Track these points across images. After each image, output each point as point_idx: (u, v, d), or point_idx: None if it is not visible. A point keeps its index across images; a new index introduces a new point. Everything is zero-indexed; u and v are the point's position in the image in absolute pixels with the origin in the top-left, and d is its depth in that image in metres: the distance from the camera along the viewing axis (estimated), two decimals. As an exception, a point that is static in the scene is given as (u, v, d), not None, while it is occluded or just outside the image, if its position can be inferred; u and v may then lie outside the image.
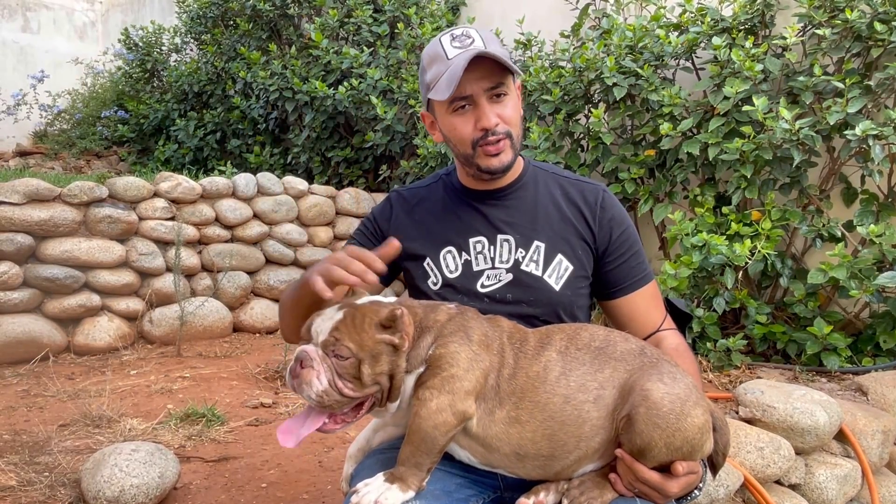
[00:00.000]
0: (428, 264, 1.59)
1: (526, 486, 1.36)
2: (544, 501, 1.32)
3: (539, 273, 1.55)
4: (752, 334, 3.38)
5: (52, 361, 3.62)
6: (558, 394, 1.29)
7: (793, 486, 2.35)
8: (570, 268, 1.57)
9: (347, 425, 1.32)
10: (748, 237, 3.27)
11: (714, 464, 1.36)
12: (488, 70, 1.47)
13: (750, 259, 3.19)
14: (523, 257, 1.56)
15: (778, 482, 2.32)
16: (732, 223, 3.38)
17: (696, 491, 1.34)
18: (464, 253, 1.58)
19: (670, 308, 1.67)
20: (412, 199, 1.68)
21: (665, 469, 1.27)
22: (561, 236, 1.58)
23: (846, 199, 3.51)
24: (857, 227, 3.17)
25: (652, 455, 1.24)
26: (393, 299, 1.39)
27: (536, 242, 1.57)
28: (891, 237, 3.02)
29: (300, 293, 1.46)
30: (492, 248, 1.57)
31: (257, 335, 4.42)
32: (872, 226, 3.03)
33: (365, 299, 1.35)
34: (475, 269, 1.57)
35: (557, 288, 1.55)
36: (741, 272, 3.27)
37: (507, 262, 1.56)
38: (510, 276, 1.55)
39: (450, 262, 1.58)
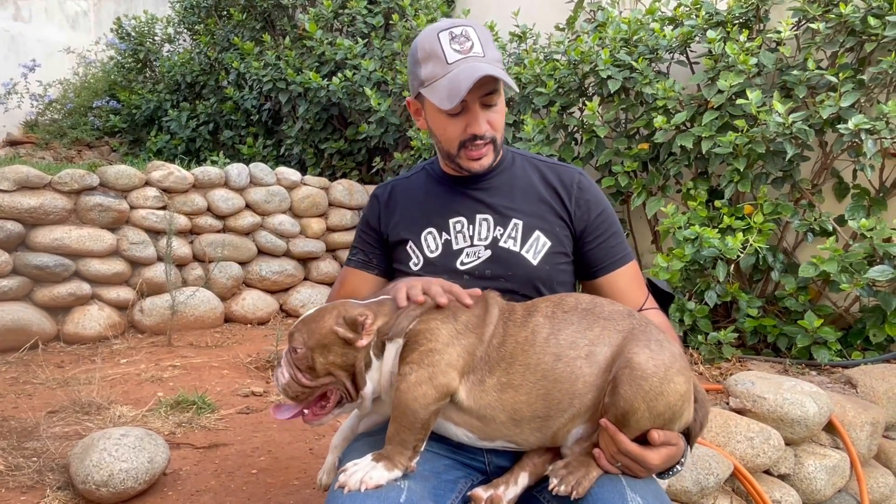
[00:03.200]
0: (410, 247, 1.63)
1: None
2: (502, 496, 1.32)
3: (517, 249, 1.58)
4: (743, 327, 3.39)
5: (42, 350, 3.59)
6: (549, 353, 1.31)
7: (782, 477, 2.36)
8: (548, 244, 1.60)
9: (320, 419, 1.41)
10: (740, 231, 3.28)
11: (690, 433, 1.36)
12: (487, 86, 1.50)
13: (742, 252, 3.20)
14: (501, 234, 1.60)
15: (767, 472, 2.33)
16: (725, 217, 3.38)
17: (677, 466, 1.34)
18: (444, 233, 1.62)
19: (653, 289, 1.69)
20: (397, 191, 1.74)
21: (646, 443, 1.28)
22: (538, 215, 1.62)
23: (838, 193, 3.52)
24: (849, 222, 3.18)
25: (635, 419, 1.24)
26: (372, 300, 1.43)
27: (514, 220, 1.61)
28: (882, 231, 3.03)
29: None
30: (471, 226, 1.61)
31: (249, 326, 4.40)
32: (864, 220, 3.04)
33: (345, 300, 1.44)
34: (455, 247, 1.60)
35: (535, 262, 1.58)
36: (733, 266, 3.28)
37: (486, 239, 1.60)
38: (489, 253, 1.59)
39: (430, 243, 1.62)
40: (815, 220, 3.35)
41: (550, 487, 1.27)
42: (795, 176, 3.40)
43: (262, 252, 4.69)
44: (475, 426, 1.33)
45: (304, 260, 4.86)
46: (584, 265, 1.66)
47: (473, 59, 1.49)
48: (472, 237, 1.60)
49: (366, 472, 1.24)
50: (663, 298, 1.70)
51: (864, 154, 3.05)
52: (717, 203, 3.50)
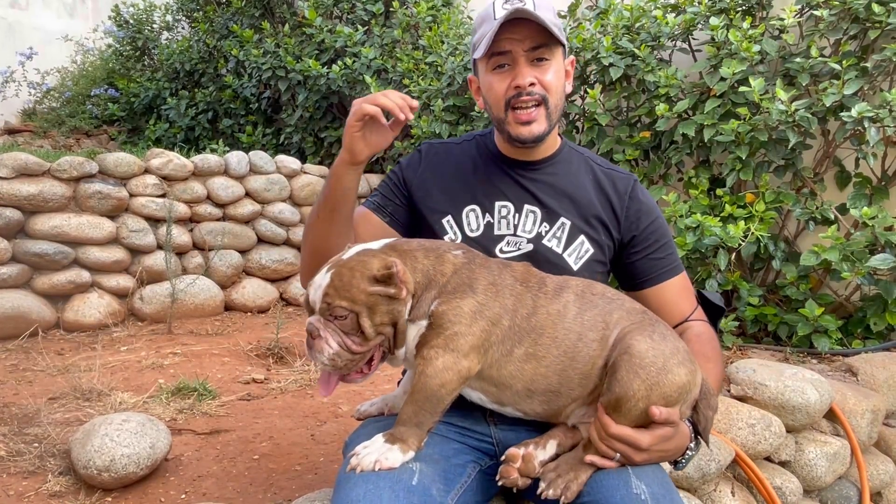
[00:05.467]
0: (448, 221, 1.58)
1: None
2: (533, 453, 1.33)
3: (559, 250, 1.56)
4: (744, 316, 3.39)
5: (42, 337, 3.58)
6: (574, 331, 1.31)
7: (783, 463, 2.36)
8: (591, 251, 1.57)
9: (366, 377, 1.35)
10: (742, 219, 3.27)
11: (698, 426, 1.36)
12: (531, 32, 1.46)
13: (743, 241, 3.20)
14: (546, 232, 1.56)
15: (768, 459, 2.33)
16: (726, 205, 3.38)
17: (688, 452, 1.34)
18: (487, 214, 1.57)
19: (703, 301, 1.66)
20: (443, 153, 1.67)
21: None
22: (586, 219, 1.58)
23: (840, 182, 3.51)
24: (851, 210, 3.17)
25: (627, 407, 1.25)
26: (381, 244, 1.37)
27: (562, 220, 1.57)
28: (884, 220, 3.03)
29: (330, 187, 1.47)
30: (517, 215, 1.57)
31: (249, 314, 4.40)
32: (866, 208, 3.04)
33: (353, 251, 1.34)
34: (496, 232, 1.56)
35: (575, 268, 1.55)
36: (734, 254, 3.28)
37: (530, 232, 1.56)
38: (530, 247, 1.55)
39: (472, 221, 1.57)
40: (817, 208, 3.34)
41: (539, 492, 1.27)
42: (797, 164, 3.38)
43: (261, 240, 4.68)
44: (491, 392, 1.34)
45: (304, 248, 4.85)
46: (629, 275, 1.63)
47: (520, 6, 1.44)
48: (516, 226, 1.56)
49: (381, 453, 1.24)
50: (713, 312, 1.68)
51: (866, 142, 3.04)
52: (719, 191, 3.49)
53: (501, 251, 1.55)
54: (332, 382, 1.33)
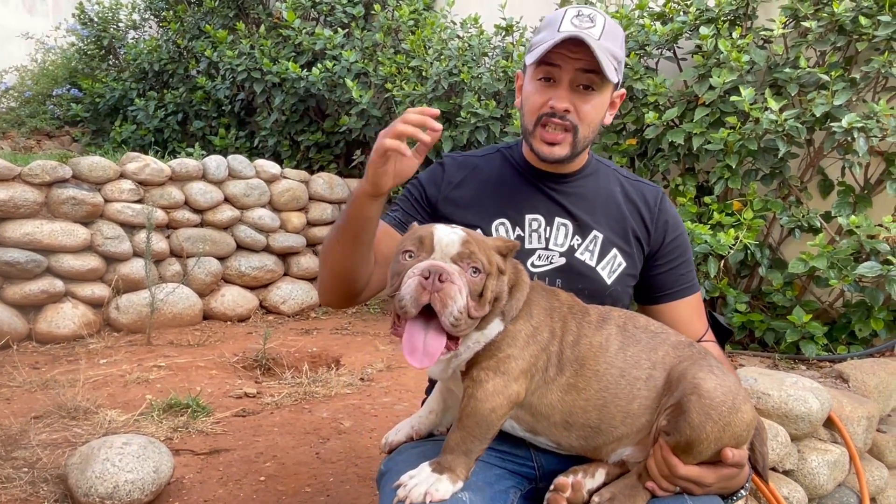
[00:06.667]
0: None
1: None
2: (582, 482, 1.30)
3: (592, 263, 1.53)
4: (731, 323, 3.42)
5: (14, 350, 3.42)
6: (616, 366, 1.28)
7: (786, 472, 2.38)
8: (623, 264, 1.55)
9: (449, 354, 1.22)
10: (730, 227, 3.31)
11: (755, 462, 1.34)
12: (587, 59, 1.43)
13: (732, 249, 3.23)
14: (579, 245, 1.53)
15: (773, 468, 2.35)
16: (714, 213, 3.41)
17: (741, 490, 1.33)
18: (518, 228, 1.54)
19: (712, 322, 1.66)
20: (466, 166, 1.63)
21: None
22: (618, 232, 1.56)
23: (822, 190, 3.57)
24: (837, 218, 3.23)
25: (699, 450, 1.22)
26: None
27: (595, 233, 1.54)
28: (868, 228, 3.09)
29: (350, 216, 1.40)
30: (548, 228, 1.54)
31: (229, 323, 4.28)
32: (853, 216, 3.10)
33: (455, 227, 1.29)
34: (527, 246, 1.53)
35: (609, 281, 1.53)
36: (722, 261, 3.31)
37: (562, 246, 1.53)
38: (563, 261, 1.52)
39: (502, 235, 1.53)
40: (804, 216, 3.39)
41: None
42: (785, 173, 3.44)
43: (241, 247, 4.56)
44: (526, 420, 1.31)
45: (284, 255, 4.75)
46: (648, 288, 1.61)
47: (584, 32, 1.42)
48: (547, 240, 1.53)
49: (430, 484, 1.19)
50: (722, 334, 1.67)
51: (854, 152, 3.09)
52: (706, 199, 3.53)
53: (533, 265, 1.52)
54: (434, 348, 1.16)
